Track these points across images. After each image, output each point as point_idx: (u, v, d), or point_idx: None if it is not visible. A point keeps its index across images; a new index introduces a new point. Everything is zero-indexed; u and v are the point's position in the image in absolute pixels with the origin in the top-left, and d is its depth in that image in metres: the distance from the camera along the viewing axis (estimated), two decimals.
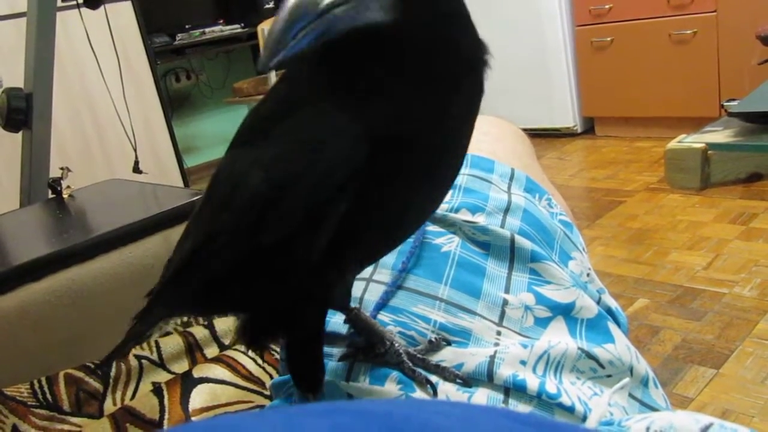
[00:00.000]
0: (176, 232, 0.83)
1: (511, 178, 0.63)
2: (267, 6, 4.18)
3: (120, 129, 1.70)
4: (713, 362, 1.47)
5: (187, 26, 4.11)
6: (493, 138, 0.70)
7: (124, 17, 3.52)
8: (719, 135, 0.57)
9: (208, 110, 4.61)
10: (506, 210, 0.58)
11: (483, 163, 0.64)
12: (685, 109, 3.03)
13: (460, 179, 0.61)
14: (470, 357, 0.48)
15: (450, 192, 0.58)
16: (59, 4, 1.30)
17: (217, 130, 4.64)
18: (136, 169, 1.36)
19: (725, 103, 0.69)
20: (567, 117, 3.43)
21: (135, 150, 1.37)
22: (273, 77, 3.35)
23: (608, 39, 3.18)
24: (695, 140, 0.57)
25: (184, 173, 3.82)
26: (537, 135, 3.57)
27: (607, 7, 3.13)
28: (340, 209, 0.37)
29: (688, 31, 2.90)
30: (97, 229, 0.85)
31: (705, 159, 0.54)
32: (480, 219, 0.58)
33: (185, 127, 4.46)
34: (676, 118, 3.08)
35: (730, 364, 1.46)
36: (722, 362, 1.46)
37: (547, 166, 3.09)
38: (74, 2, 1.31)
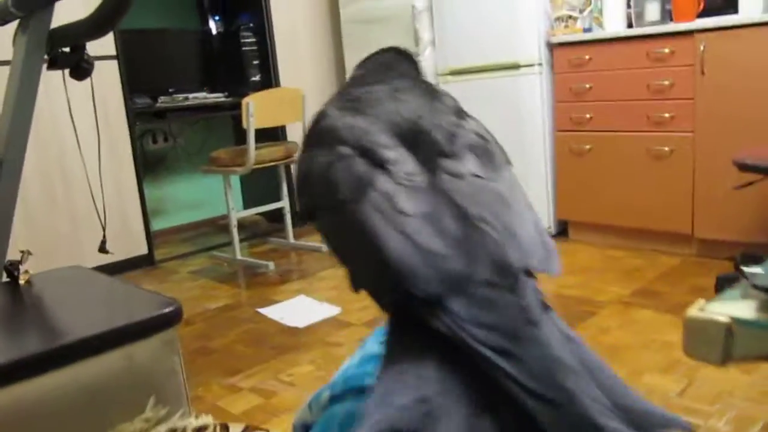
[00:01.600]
0: (139, 349, 0.76)
1: None
2: (253, 79, 4.20)
3: (90, 196, 1.63)
4: None
5: (170, 90, 4.10)
6: None
7: (107, 75, 3.50)
8: (743, 306, 0.54)
9: (181, 174, 4.54)
10: None
11: None
12: (658, 223, 3.07)
13: None
14: None
15: None
16: (44, 71, 1.25)
17: (188, 195, 4.57)
18: (103, 249, 1.29)
19: (745, 269, 0.67)
20: (542, 218, 3.44)
21: (104, 228, 1.30)
22: (252, 149, 3.32)
23: (587, 147, 3.24)
24: (717, 310, 0.54)
25: (150, 237, 3.72)
26: None
27: (588, 116, 3.20)
28: None
29: (666, 148, 2.96)
30: (49, 336, 0.76)
31: (729, 333, 0.52)
32: None
33: (156, 189, 4.38)
34: (649, 230, 3.12)
35: None
36: None
37: None
38: (60, 71, 1.26)
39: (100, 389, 0.71)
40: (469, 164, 0.47)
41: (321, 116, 0.51)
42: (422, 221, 0.43)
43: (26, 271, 0.99)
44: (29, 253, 1.02)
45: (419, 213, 0.43)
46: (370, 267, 0.44)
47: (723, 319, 0.61)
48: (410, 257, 0.41)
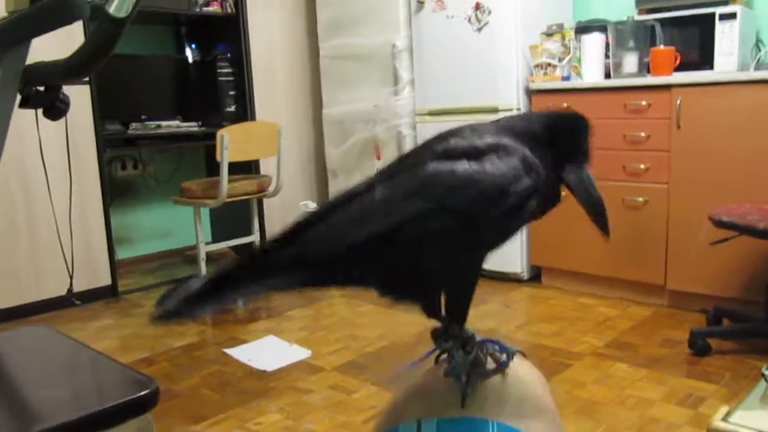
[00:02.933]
0: None
1: None
2: (228, 109, 4.14)
3: (55, 227, 1.55)
4: None
5: (143, 117, 4.01)
6: (520, 394, 0.61)
7: (79, 100, 3.40)
8: (766, 416, 0.52)
9: (149, 203, 4.43)
10: None
11: None
12: (631, 272, 3.07)
13: None
14: None
15: None
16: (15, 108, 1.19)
17: (155, 223, 4.45)
18: (69, 299, 1.21)
19: (765, 372, 0.64)
20: (515, 263, 3.43)
21: (71, 276, 1.22)
22: (225, 182, 3.25)
23: (562, 194, 3.23)
24: (742, 421, 0.52)
25: (114, 268, 3.60)
26: (483, 276, 3.54)
27: None
28: (528, 208, 0.57)
29: (640, 199, 2.98)
30: (11, 423, 0.69)
31: None
32: None
33: (123, 217, 4.26)
34: (622, 279, 3.12)
35: None
36: None
37: (492, 313, 3.04)
38: (32, 110, 1.19)
39: None
40: None
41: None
42: None
43: None
44: None
45: None
46: None
47: None
48: None
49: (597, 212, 0.63)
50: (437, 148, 0.58)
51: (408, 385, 0.64)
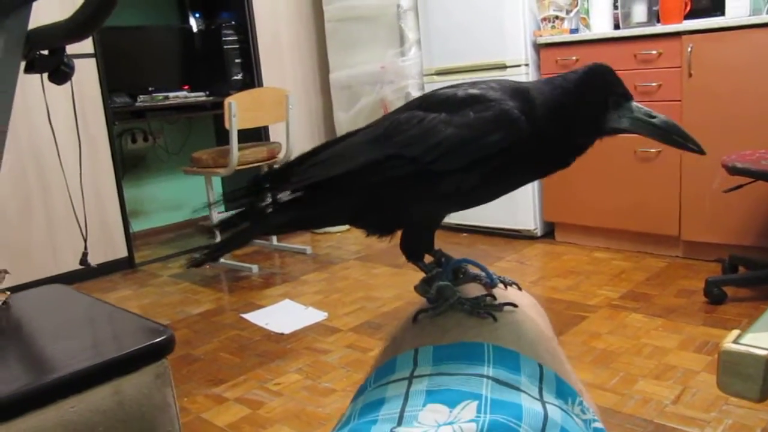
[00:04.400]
0: (129, 383, 0.70)
1: (541, 379, 0.53)
2: (235, 77, 4.12)
3: (69, 202, 1.57)
4: None
5: (150, 89, 4.01)
6: (516, 320, 0.61)
7: (85, 73, 3.41)
8: None
9: (161, 174, 4.45)
10: (543, 429, 0.48)
11: (507, 360, 0.54)
12: (645, 225, 3.06)
13: (484, 385, 0.51)
14: None
15: (475, 405, 0.48)
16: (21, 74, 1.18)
17: (168, 195, 4.48)
18: (84, 262, 1.23)
19: None
20: (528, 220, 3.42)
21: (85, 240, 1.24)
22: (235, 150, 3.26)
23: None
24: (753, 342, 0.51)
25: (129, 240, 3.64)
26: (496, 234, 3.54)
27: None
28: (492, 164, 0.56)
29: (653, 150, 2.95)
30: (29, 372, 0.70)
31: None
32: None
33: (136, 189, 4.29)
34: (635, 232, 3.11)
35: None
36: None
37: (507, 269, 3.05)
38: (38, 74, 1.19)
39: (87, 428, 0.65)
40: None
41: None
42: None
43: (3, 291, 0.92)
44: (6, 272, 0.96)
45: None
46: None
47: (761, 353, 0.58)
48: None
49: (674, 138, 0.59)
50: (421, 98, 0.62)
51: (404, 321, 0.65)
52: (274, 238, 3.77)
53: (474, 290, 0.67)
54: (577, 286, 2.76)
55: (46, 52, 1.18)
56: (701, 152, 0.58)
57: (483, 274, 0.69)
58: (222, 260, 3.49)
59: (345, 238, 3.85)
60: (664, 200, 2.96)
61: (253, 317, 2.72)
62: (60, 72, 1.19)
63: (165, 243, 4.17)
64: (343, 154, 0.61)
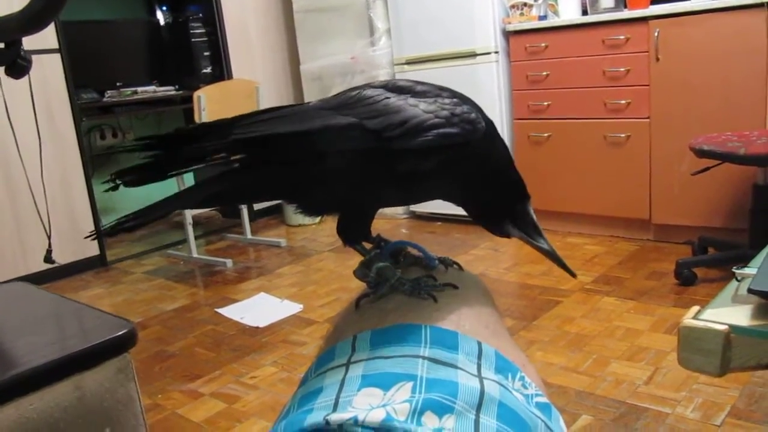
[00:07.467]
0: (90, 378, 0.69)
1: (480, 356, 0.53)
2: (204, 71, 4.07)
3: (33, 199, 1.54)
4: None
5: (118, 84, 3.95)
6: (457, 300, 0.61)
7: (50, 69, 3.34)
8: (738, 313, 0.52)
9: None
10: (479, 405, 0.48)
11: (446, 339, 0.53)
12: (616, 210, 3.09)
13: (419, 365, 0.50)
14: None
15: (410, 386, 0.48)
16: None
17: (140, 191, 4.36)
18: (48, 259, 1.20)
19: (737, 270, 0.64)
20: None
21: (49, 236, 1.21)
22: None
23: (545, 134, 3.24)
24: (712, 317, 0.52)
25: (101, 237, 3.58)
26: (471, 223, 3.55)
27: (545, 104, 3.20)
28: (449, 154, 0.57)
29: (622, 135, 2.98)
30: None
31: (727, 342, 0.49)
32: (449, 423, 0.47)
33: (106, 186, 4.22)
34: (607, 217, 3.14)
35: None
36: None
37: (482, 257, 3.06)
38: None
39: (48, 425, 0.64)
40: None
41: None
42: None
43: None
44: None
45: None
46: None
47: (720, 327, 0.58)
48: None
49: (553, 260, 0.63)
50: (384, 81, 0.62)
51: (346, 308, 0.64)
52: (248, 232, 3.74)
53: (415, 273, 0.67)
54: (550, 271, 2.78)
55: (1, 46, 1.15)
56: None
57: (423, 256, 0.68)
58: (195, 255, 3.46)
59: (319, 230, 3.83)
60: (635, 184, 3.00)
61: (229, 312, 2.70)
62: (17, 65, 1.16)
63: (137, 240, 4.12)
64: (298, 116, 0.59)
